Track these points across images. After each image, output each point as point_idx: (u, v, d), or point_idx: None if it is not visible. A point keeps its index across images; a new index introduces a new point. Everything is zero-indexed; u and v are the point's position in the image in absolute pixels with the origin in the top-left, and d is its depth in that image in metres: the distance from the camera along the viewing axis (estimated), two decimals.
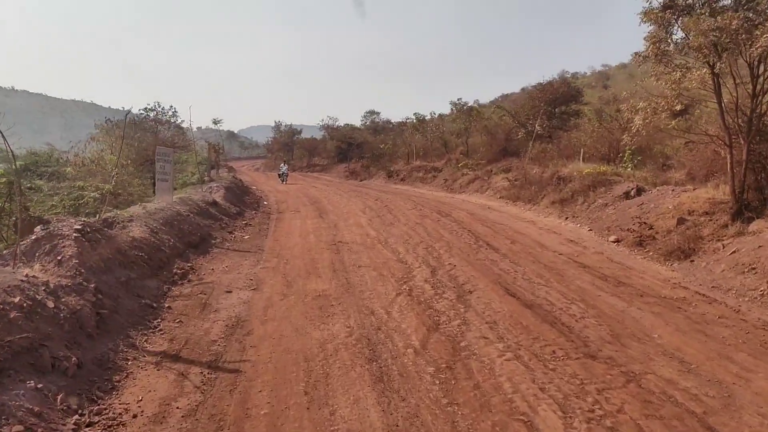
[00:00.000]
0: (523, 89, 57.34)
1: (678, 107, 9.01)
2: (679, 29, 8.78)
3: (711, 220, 8.87)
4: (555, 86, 24.19)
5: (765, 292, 6.43)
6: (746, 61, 8.08)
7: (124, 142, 12.35)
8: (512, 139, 23.75)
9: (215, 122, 47.31)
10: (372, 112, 53.07)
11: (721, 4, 8.28)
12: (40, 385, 3.53)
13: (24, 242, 5.68)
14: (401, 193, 21.38)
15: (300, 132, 59.74)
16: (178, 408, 4.03)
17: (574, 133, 19.77)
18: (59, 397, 3.52)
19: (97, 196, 8.69)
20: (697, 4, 8.40)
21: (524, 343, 5.13)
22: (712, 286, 7.04)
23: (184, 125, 24.53)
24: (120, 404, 4.05)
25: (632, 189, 12.00)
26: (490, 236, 10.66)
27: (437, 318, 5.92)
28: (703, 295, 6.72)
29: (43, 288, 4.57)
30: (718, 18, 7.65)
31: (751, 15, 7.77)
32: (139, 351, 4.95)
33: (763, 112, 8.38)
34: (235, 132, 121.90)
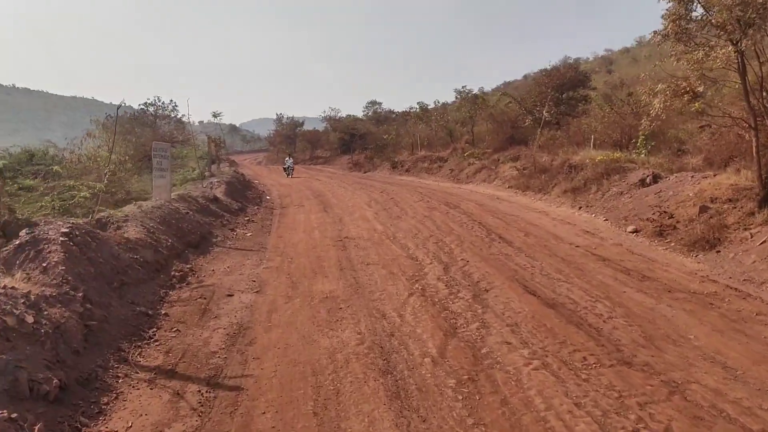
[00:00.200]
0: (525, 76, 56.60)
1: (701, 88, 8.49)
2: (699, 5, 8.28)
3: (735, 207, 8.43)
4: (562, 71, 23.55)
5: None
6: None
7: (122, 138, 11.92)
8: (519, 127, 23.18)
9: (215, 115, 46.71)
10: (374, 103, 52.29)
11: None
12: (14, 415, 3.12)
13: (6, 248, 5.26)
14: (407, 185, 20.85)
15: (302, 124, 59.03)
16: None
17: (583, 119, 19.21)
18: (36, 428, 3.11)
19: (88, 195, 8.25)
20: None
21: (551, 349, 4.70)
22: (744, 279, 6.59)
23: (184, 119, 24.12)
24: None
25: (648, 176, 11.52)
26: (502, 228, 10.20)
27: (454, 321, 5.49)
28: (736, 289, 6.28)
29: (23, 301, 4.15)
30: None
31: None
32: (132, 366, 4.52)
33: None
34: (237, 125, 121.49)
